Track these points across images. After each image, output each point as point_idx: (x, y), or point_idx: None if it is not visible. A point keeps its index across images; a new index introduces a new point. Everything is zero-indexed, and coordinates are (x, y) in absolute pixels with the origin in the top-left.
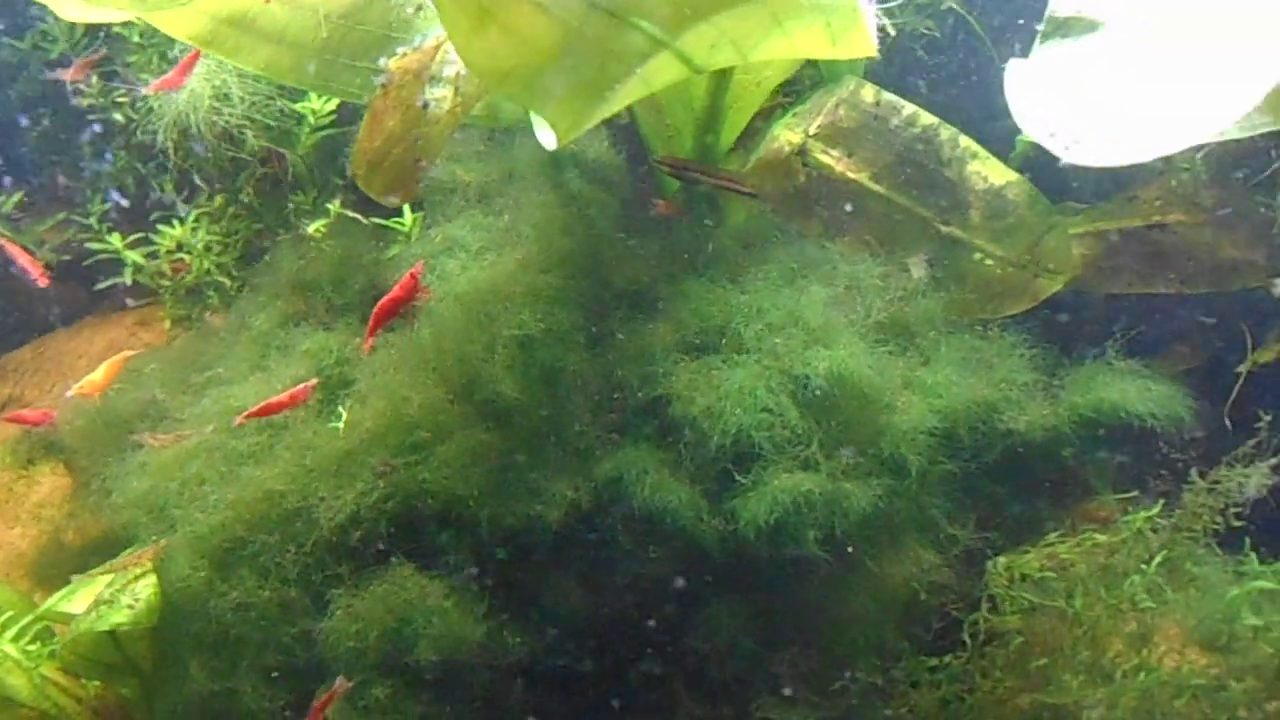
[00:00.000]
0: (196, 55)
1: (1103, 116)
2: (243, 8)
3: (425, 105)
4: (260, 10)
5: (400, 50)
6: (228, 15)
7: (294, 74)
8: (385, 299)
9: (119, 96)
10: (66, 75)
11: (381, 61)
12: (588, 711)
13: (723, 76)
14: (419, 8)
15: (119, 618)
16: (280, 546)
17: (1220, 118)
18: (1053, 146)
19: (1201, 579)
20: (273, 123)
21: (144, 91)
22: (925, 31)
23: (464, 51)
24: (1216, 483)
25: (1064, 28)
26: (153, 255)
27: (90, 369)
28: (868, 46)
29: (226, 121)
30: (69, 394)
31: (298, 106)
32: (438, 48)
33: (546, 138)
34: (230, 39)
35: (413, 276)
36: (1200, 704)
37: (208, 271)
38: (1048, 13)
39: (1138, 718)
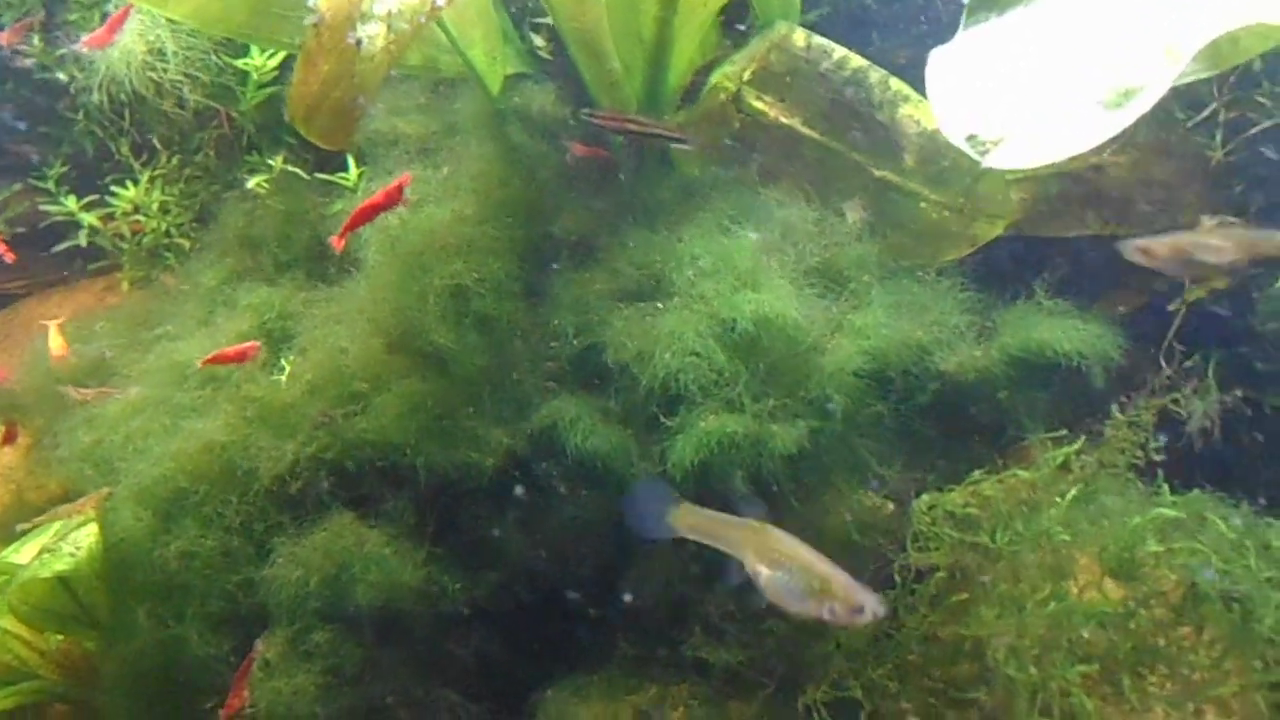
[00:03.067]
0: (126, 12)
1: (1022, 114)
2: None
3: (358, 43)
4: None
5: None
6: None
7: (223, 23)
8: (367, 202)
9: (60, 55)
10: (1, 39)
11: (310, 2)
12: (526, 654)
13: None
14: None
15: (61, 565)
16: (222, 496)
17: (1143, 101)
18: (971, 151)
19: (1116, 512)
20: (213, 79)
21: (75, 49)
22: None
23: None
24: (1136, 418)
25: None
26: (109, 217)
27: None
28: None
29: (162, 77)
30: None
31: (239, 63)
32: None
33: None
34: None
35: (399, 186)
36: (1108, 632)
37: (166, 233)
38: None
39: (1045, 646)
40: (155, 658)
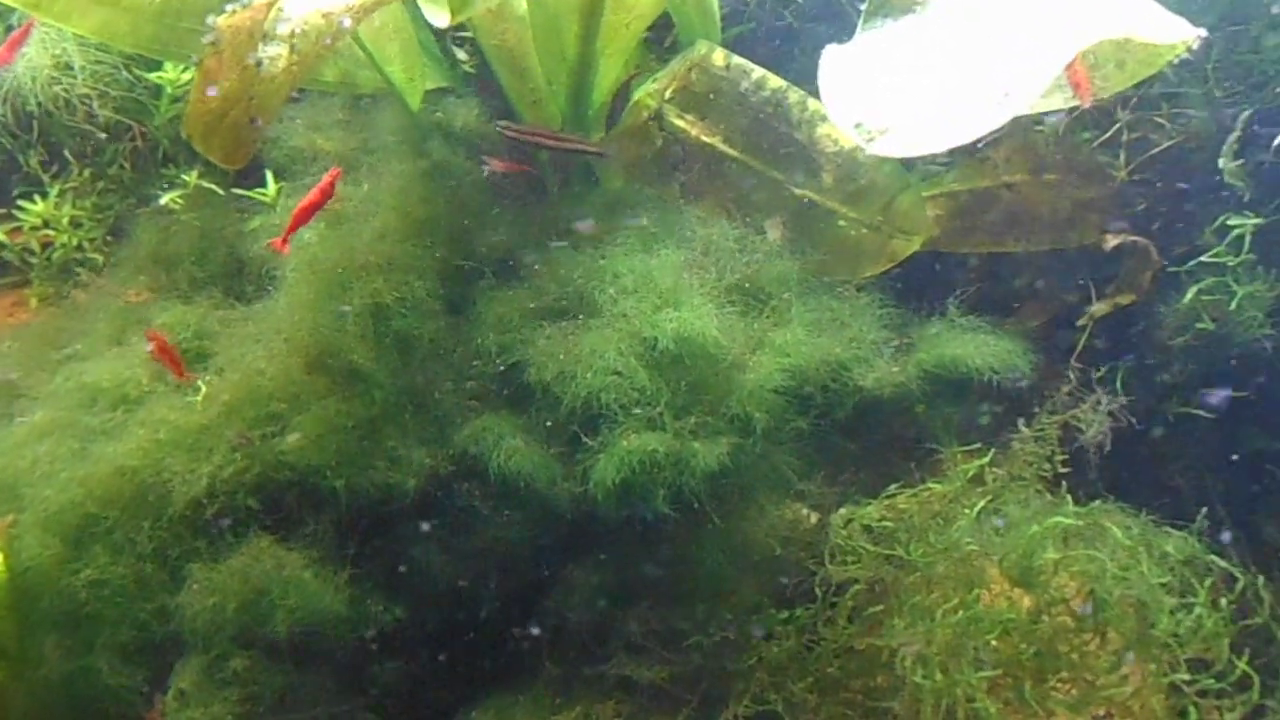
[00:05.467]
0: (29, 28)
1: (907, 106)
2: None
3: (259, 64)
4: None
5: (230, 7)
6: None
7: (131, 38)
8: (304, 202)
9: None
10: None
11: (209, 20)
12: (450, 675)
13: (594, 16)
14: None
15: None
16: (134, 522)
17: (1017, 102)
18: (857, 138)
19: (1020, 522)
20: (123, 93)
21: None
22: None
23: None
24: (1041, 431)
25: (885, 6)
26: (16, 232)
27: None
28: None
29: (70, 92)
30: None
31: (152, 76)
32: (271, 4)
33: (439, 18)
34: (59, 2)
35: (330, 181)
36: (1013, 638)
37: (78, 247)
38: None
39: (951, 653)
40: (65, 689)
